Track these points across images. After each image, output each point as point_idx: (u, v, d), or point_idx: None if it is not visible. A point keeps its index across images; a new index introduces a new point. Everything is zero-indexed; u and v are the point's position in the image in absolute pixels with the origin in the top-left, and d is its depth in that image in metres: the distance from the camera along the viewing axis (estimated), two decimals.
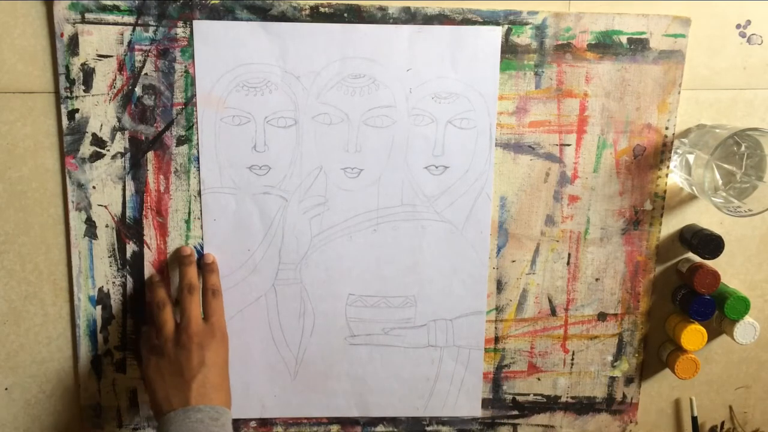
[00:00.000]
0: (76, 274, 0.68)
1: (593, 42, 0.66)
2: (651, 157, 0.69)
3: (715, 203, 0.62)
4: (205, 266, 0.67)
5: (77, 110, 0.65)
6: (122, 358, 0.70)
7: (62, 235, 0.68)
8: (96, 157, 0.66)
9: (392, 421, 0.75)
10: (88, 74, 0.64)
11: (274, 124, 0.66)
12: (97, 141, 0.66)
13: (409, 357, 0.73)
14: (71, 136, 0.65)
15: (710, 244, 0.68)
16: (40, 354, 0.70)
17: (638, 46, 0.67)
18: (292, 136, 0.67)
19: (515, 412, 0.75)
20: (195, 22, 0.64)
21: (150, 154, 0.66)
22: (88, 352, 0.70)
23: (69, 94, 0.64)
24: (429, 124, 0.67)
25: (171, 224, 0.68)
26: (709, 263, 0.70)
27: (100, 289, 0.69)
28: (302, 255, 0.69)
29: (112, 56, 0.64)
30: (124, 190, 0.67)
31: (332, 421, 0.74)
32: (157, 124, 0.66)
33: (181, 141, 0.66)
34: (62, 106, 0.65)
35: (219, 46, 0.64)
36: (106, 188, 0.67)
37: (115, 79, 0.64)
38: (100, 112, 0.65)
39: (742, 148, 0.65)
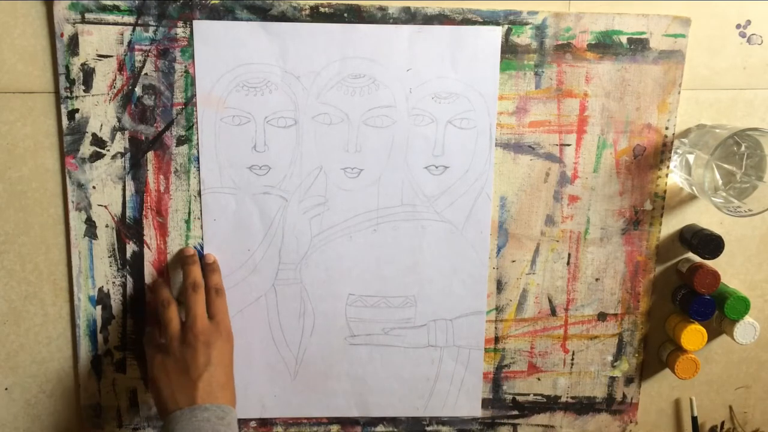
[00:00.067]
0: (76, 274, 0.68)
1: (593, 42, 0.66)
2: (651, 157, 0.69)
3: (715, 203, 0.62)
4: (206, 266, 0.67)
5: (77, 110, 0.65)
6: (122, 358, 0.70)
7: (62, 235, 0.68)
8: (96, 157, 0.66)
9: (392, 421, 0.75)
10: (88, 74, 0.64)
11: (274, 124, 0.66)
12: (97, 141, 0.66)
13: (409, 357, 0.73)
14: (71, 136, 0.65)
15: (710, 244, 0.68)
16: (40, 354, 0.70)
17: (638, 46, 0.67)
18: (292, 136, 0.67)
19: (515, 412, 0.75)
20: (195, 22, 0.64)
21: (150, 154, 0.66)
22: (88, 352, 0.70)
23: (69, 94, 0.64)
24: (429, 124, 0.67)
25: (171, 224, 0.68)
26: (709, 263, 0.70)
27: (100, 289, 0.69)
28: (302, 255, 0.69)
29: (112, 56, 0.64)
30: (124, 190, 0.67)
31: (332, 421, 0.74)
32: (157, 124, 0.66)
33: (181, 141, 0.66)
34: (62, 106, 0.65)
35: (219, 46, 0.64)
36: (106, 188, 0.67)
37: (115, 79, 0.65)
38: (100, 112, 0.65)
39: (742, 148, 0.65)
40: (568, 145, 0.69)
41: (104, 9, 0.63)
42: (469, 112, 0.67)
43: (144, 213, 0.67)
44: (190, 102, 0.65)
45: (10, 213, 0.67)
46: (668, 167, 0.70)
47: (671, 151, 0.69)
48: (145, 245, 0.68)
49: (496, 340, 0.73)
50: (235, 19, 0.64)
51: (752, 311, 0.71)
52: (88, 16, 0.63)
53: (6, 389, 0.71)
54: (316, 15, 0.64)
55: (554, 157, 0.69)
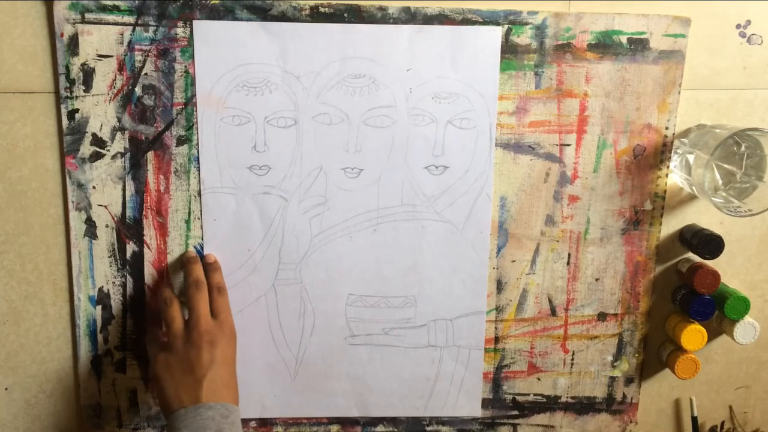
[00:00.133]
0: (76, 274, 0.68)
1: (593, 42, 0.66)
2: (651, 157, 0.69)
3: (715, 203, 0.62)
4: (207, 265, 0.67)
5: (77, 110, 0.65)
6: (122, 358, 0.70)
7: (62, 235, 0.68)
8: (96, 157, 0.66)
9: (392, 421, 0.75)
10: (88, 74, 0.64)
11: (274, 124, 0.66)
12: (97, 141, 0.66)
13: (409, 357, 0.73)
14: (71, 136, 0.65)
15: (710, 244, 0.68)
16: (40, 354, 0.70)
17: (638, 46, 0.67)
18: (292, 136, 0.67)
19: (515, 412, 0.75)
20: (195, 22, 0.64)
21: (150, 154, 0.66)
22: (88, 352, 0.70)
23: (69, 94, 0.64)
24: (429, 124, 0.67)
25: (171, 224, 0.68)
26: (709, 263, 0.70)
27: (100, 289, 0.69)
28: (302, 255, 0.69)
29: (112, 56, 0.64)
30: (124, 190, 0.67)
31: (332, 421, 0.74)
32: (157, 124, 0.66)
33: (181, 141, 0.66)
34: (62, 106, 0.65)
35: (219, 46, 0.64)
36: (106, 188, 0.67)
37: (115, 79, 0.65)
38: (100, 112, 0.65)
39: (742, 148, 0.65)
40: (568, 145, 0.69)
41: (104, 9, 0.63)
42: (469, 112, 0.67)
43: (144, 213, 0.67)
44: (190, 102, 0.65)
45: (10, 213, 0.67)
46: (668, 167, 0.70)
47: (671, 151, 0.69)
48: (145, 245, 0.68)
49: (496, 340, 0.73)
50: (235, 19, 0.64)
51: (752, 311, 0.71)
52: (88, 16, 0.63)
53: (6, 389, 0.71)
54: (316, 15, 0.64)
55: (554, 157, 0.69)
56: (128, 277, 0.69)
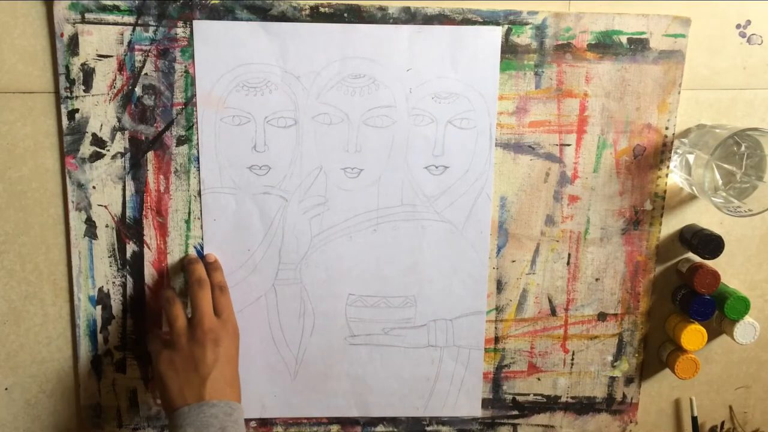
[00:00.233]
0: (76, 274, 0.68)
1: (593, 42, 0.66)
2: (651, 157, 0.69)
3: (715, 203, 0.62)
4: (208, 265, 0.67)
5: (77, 110, 0.65)
6: (122, 358, 0.70)
7: (62, 235, 0.68)
8: (96, 157, 0.66)
9: (392, 421, 0.75)
10: (88, 74, 0.64)
11: (274, 124, 0.66)
12: (97, 141, 0.66)
13: (409, 357, 0.73)
14: (71, 136, 0.65)
15: (710, 244, 0.68)
16: (40, 354, 0.70)
17: (638, 46, 0.67)
18: (292, 136, 0.67)
19: (515, 412, 0.75)
20: (195, 22, 0.64)
21: (150, 154, 0.66)
22: (88, 352, 0.70)
23: (69, 94, 0.64)
24: (429, 124, 0.67)
25: (171, 224, 0.68)
26: (709, 263, 0.70)
27: (100, 289, 0.69)
28: (302, 255, 0.69)
29: (112, 56, 0.64)
30: (124, 190, 0.67)
31: (332, 421, 0.74)
32: (157, 124, 0.66)
33: (181, 141, 0.66)
34: (62, 106, 0.65)
35: (219, 46, 0.64)
36: (106, 188, 0.67)
37: (115, 79, 0.65)
38: (100, 112, 0.65)
39: (742, 148, 0.65)
40: (568, 145, 0.69)
41: (104, 9, 0.63)
42: (469, 112, 0.67)
43: (144, 213, 0.67)
44: (190, 102, 0.65)
45: (10, 213, 0.67)
46: (668, 167, 0.70)
47: (671, 151, 0.69)
48: (145, 245, 0.68)
49: (496, 340, 0.73)
50: (235, 19, 0.64)
51: (752, 311, 0.71)
52: (88, 16, 0.63)
53: (6, 389, 0.71)
54: (316, 15, 0.64)
55: (554, 157, 0.69)
56: (128, 277, 0.69)
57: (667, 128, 0.69)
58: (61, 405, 0.72)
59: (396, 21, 0.65)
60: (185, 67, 0.65)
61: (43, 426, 0.72)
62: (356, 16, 0.64)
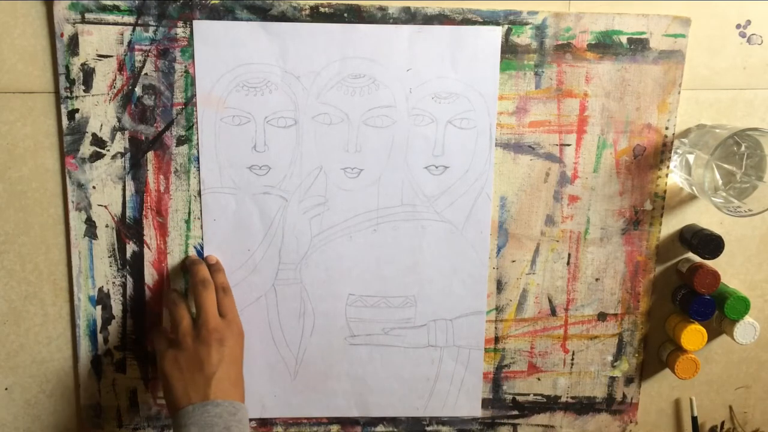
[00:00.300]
0: (76, 274, 0.68)
1: (593, 42, 0.66)
2: (651, 157, 0.69)
3: (715, 203, 0.62)
4: (210, 266, 0.67)
5: (77, 110, 0.65)
6: (122, 358, 0.70)
7: (62, 235, 0.68)
8: (96, 157, 0.66)
9: (392, 421, 0.75)
10: (88, 74, 0.64)
11: (274, 124, 0.66)
12: (97, 141, 0.66)
13: (409, 357, 0.73)
14: (71, 136, 0.65)
15: (710, 244, 0.68)
16: (40, 354, 0.70)
17: (638, 46, 0.67)
18: (292, 136, 0.67)
19: (515, 412, 0.75)
20: (195, 22, 0.64)
21: (150, 154, 0.66)
22: (88, 352, 0.70)
23: (69, 94, 0.64)
24: (429, 124, 0.67)
25: (171, 224, 0.68)
26: (709, 263, 0.70)
27: (100, 289, 0.69)
28: (302, 255, 0.69)
29: (112, 56, 0.64)
30: (124, 190, 0.67)
31: (332, 421, 0.74)
32: (157, 124, 0.66)
33: (181, 141, 0.66)
34: (62, 106, 0.65)
35: (219, 46, 0.64)
36: (106, 188, 0.67)
37: (115, 79, 0.65)
38: (100, 112, 0.65)
39: (742, 148, 0.65)
40: (568, 145, 0.69)
41: (104, 9, 0.63)
42: (469, 112, 0.67)
43: (144, 213, 0.67)
44: (190, 102, 0.65)
45: (10, 213, 0.67)
46: (668, 167, 0.70)
47: (671, 151, 0.69)
48: (145, 245, 0.68)
49: (496, 340, 0.73)
50: (235, 19, 0.64)
51: (752, 311, 0.71)
52: (88, 16, 0.63)
53: (6, 389, 0.71)
54: (316, 15, 0.64)
55: (554, 157, 0.69)
56: (128, 277, 0.69)
57: (667, 128, 0.69)
58: (61, 405, 0.72)
59: (396, 21, 0.65)
60: (185, 67, 0.65)
61: (43, 426, 0.72)
62: (356, 16, 0.64)
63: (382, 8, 0.64)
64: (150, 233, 0.68)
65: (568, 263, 0.72)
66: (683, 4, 0.66)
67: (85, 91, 0.64)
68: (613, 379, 0.75)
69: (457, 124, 0.67)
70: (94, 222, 0.67)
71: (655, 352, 0.75)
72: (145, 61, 0.64)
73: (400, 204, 0.69)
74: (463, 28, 0.65)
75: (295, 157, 0.67)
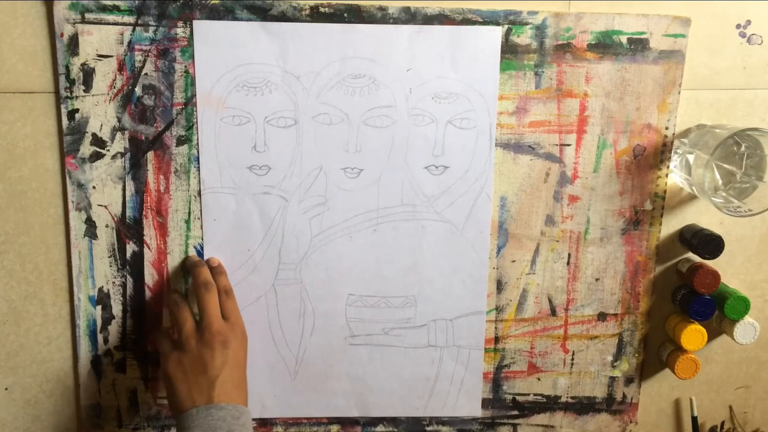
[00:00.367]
0: (76, 274, 0.68)
1: (593, 42, 0.66)
2: (651, 157, 0.69)
3: (715, 203, 0.62)
4: (213, 269, 0.67)
5: (77, 110, 0.65)
6: (122, 358, 0.70)
7: (62, 235, 0.68)
8: (96, 157, 0.66)
9: (392, 421, 0.75)
10: (88, 74, 0.64)
11: (274, 124, 0.66)
12: (97, 141, 0.66)
13: (409, 357, 0.73)
14: (71, 136, 0.65)
15: (710, 244, 0.68)
16: (40, 354, 0.70)
17: (638, 46, 0.67)
18: (292, 136, 0.67)
19: (515, 412, 0.75)
20: (195, 22, 0.64)
21: (150, 154, 0.66)
22: (88, 352, 0.70)
23: (69, 94, 0.64)
24: (429, 124, 0.67)
25: (171, 224, 0.68)
26: (709, 263, 0.70)
27: (100, 289, 0.69)
28: (302, 255, 0.69)
29: (112, 56, 0.64)
30: (124, 190, 0.67)
31: (332, 421, 0.74)
32: (157, 124, 0.66)
33: (181, 141, 0.66)
34: (62, 106, 0.65)
35: (219, 46, 0.64)
36: (106, 188, 0.67)
37: (115, 79, 0.65)
38: (100, 112, 0.65)
39: (742, 148, 0.65)
40: (568, 145, 0.69)
41: (104, 9, 0.63)
42: (469, 112, 0.67)
43: (144, 213, 0.67)
44: (190, 102, 0.65)
45: (10, 213, 0.67)
46: (668, 167, 0.70)
47: (671, 151, 0.69)
48: (145, 245, 0.68)
49: (496, 340, 0.73)
50: (235, 19, 0.64)
51: (752, 311, 0.71)
52: (88, 16, 0.63)
53: (6, 389, 0.71)
54: (316, 15, 0.64)
55: (554, 157, 0.69)
56: (128, 277, 0.69)
57: (667, 128, 0.69)
58: (61, 405, 0.72)
59: (396, 21, 0.65)
60: (185, 67, 0.65)
61: (43, 426, 0.72)
62: (356, 16, 0.64)
63: (382, 8, 0.64)
64: (150, 233, 0.68)
65: (568, 263, 0.72)
66: (683, 4, 0.66)
67: (85, 91, 0.64)
68: (613, 379, 0.75)
69: (457, 124, 0.67)
70: (94, 222, 0.67)
71: (655, 352, 0.75)
72: (145, 61, 0.64)
73: (400, 204, 0.69)
74: (463, 28, 0.65)
75: (295, 157, 0.67)
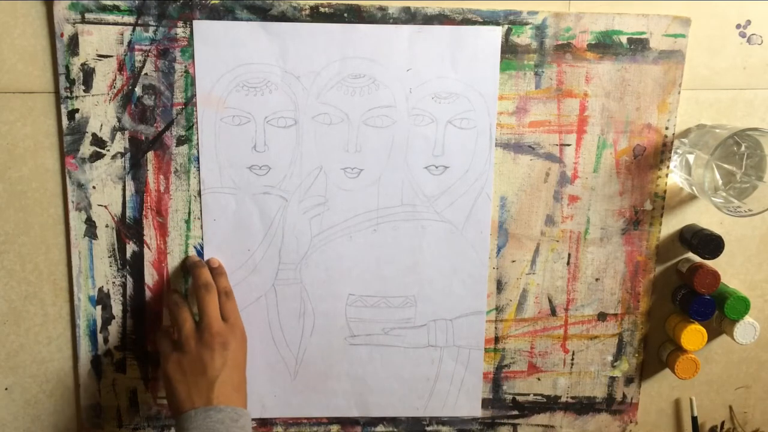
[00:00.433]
0: (76, 274, 0.68)
1: (593, 42, 0.66)
2: (651, 157, 0.69)
3: (715, 203, 0.62)
4: (213, 270, 0.67)
5: (77, 110, 0.65)
6: (122, 358, 0.70)
7: (62, 235, 0.68)
8: (96, 157, 0.66)
9: (392, 421, 0.75)
10: (88, 74, 0.64)
11: (274, 124, 0.66)
12: (97, 141, 0.66)
13: (409, 357, 0.73)
14: (71, 136, 0.65)
15: (710, 244, 0.68)
16: (40, 354, 0.70)
17: (638, 46, 0.67)
18: (292, 136, 0.67)
19: (515, 412, 0.75)
20: (195, 22, 0.64)
21: (150, 154, 0.66)
22: (88, 352, 0.70)
23: (69, 94, 0.64)
24: (429, 124, 0.67)
25: (171, 224, 0.68)
26: (709, 263, 0.70)
27: (100, 289, 0.69)
28: (302, 255, 0.69)
29: (112, 56, 0.64)
30: (124, 190, 0.67)
31: (332, 421, 0.74)
32: (157, 124, 0.66)
33: (181, 141, 0.66)
34: (62, 106, 0.65)
35: (219, 46, 0.64)
36: (106, 188, 0.67)
37: (115, 79, 0.65)
38: (100, 112, 0.65)
39: (742, 148, 0.65)
40: (568, 145, 0.69)
41: (104, 9, 0.63)
42: (469, 112, 0.67)
43: (144, 213, 0.67)
44: (190, 102, 0.65)
45: (10, 213, 0.67)
46: (668, 167, 0.70)
47: (671, 151, 0.69)
48: (145, 245, 0.68)
49: (496, 340, 0.73)
50: (235, 19, 0.64)
51: (752, 311, 0.71)
52: (88, 16, 0.63)
53: (6, 389, 0.71)
54: (316, 15, 0.64)
55: (554, 157, 0.69)
56: (128, 277, 0.69)
57: (667, 128, 0.69)
58: (61, 405, 0.72)
59: (396, 21, 0.65)
60: (185, 67, 0.65)
61: (43, 426, 0.72)
62: (356, 16, 0.64)
63: (382, 8, 0.64)
64: (150, 233, 0.68)
65: (568, 263, 0.72)
66: (683, 4, 0.66)
67: (85, 91, 0.64)
68: (613, 379, 0.75)
69: (457, 124, 0.67)
70: (94, 222, 0.67)
71: (655, 352, 0.75)
72: (145, 61, 0.64)
73: (400, 204, 0.69)
74: (463, 28, 0.65)
75: (295, 157, 0.67)
